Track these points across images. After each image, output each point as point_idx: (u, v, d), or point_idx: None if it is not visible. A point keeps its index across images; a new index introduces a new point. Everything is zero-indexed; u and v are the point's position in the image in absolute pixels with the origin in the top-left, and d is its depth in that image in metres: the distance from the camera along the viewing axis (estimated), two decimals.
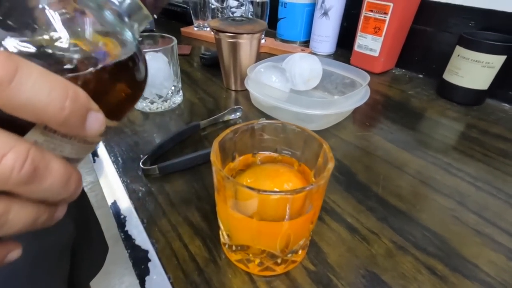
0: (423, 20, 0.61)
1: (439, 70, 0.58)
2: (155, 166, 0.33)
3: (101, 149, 0.38)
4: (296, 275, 0.24)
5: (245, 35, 0.47)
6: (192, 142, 0.40)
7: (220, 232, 0.26)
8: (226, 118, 0.44)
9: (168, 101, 0.46)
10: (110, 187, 0.32)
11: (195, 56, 0.71)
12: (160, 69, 0.43)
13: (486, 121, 0.47)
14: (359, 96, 0.42)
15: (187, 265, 0.24)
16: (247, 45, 0.48)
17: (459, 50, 0.50)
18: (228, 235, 0.23)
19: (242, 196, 0.20)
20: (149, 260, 0.25)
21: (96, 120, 0.12)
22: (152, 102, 0.45)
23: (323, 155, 0.22)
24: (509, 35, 0.49)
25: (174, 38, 0.44)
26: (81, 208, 0.53)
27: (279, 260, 0.23)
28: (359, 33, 0.64)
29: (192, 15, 0.86)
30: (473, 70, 0.49)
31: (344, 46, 0.76)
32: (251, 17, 0.51)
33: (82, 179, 0.14)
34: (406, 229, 0.28)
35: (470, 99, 0.52)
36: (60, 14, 0.13)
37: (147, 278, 0.23)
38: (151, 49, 0.41)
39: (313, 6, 0.76)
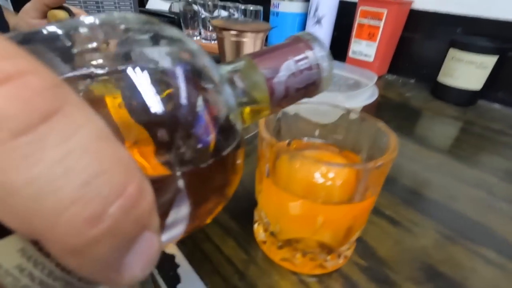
0: (412, 28, 0.64)
1: (430, 74, 0.60)
2: None
3: None
4: (349, 272, 0.21)
5: (249, 33, 0.46)
6: None
7: (259, 228, 0.22)
8: None
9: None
10: None
11: None
12: None
13: (484, 118, 0.49)
14: (369, 93, 0.42)
15: (224, 269, 0.21)
16: (250, 45, 0.47)
17: (453, 52, 0.53)
18: (273, 230, 0.20)
19: (303, 173, 0.17)
20: (178, 266, 0.21)
21: (150, 251, 0.07)
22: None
23: (376, 136, 0.20)
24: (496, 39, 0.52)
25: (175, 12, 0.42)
26: None
27: (331, 256, 0.20)
28: (353, 39, 0.65)
29: (182, 24, 0.84)
30: (467, 71, 0.51)
31: (335, 55, 0.78)
32: (252, 19, 0.50)
33: None
34: (447, 219, 0.27)
35: (465, 99, 0.54)
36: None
37: (178, 286, 0.19)
38: None
39: (304, 15, 0.78)
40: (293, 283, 0.20)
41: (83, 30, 0.08)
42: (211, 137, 0.09)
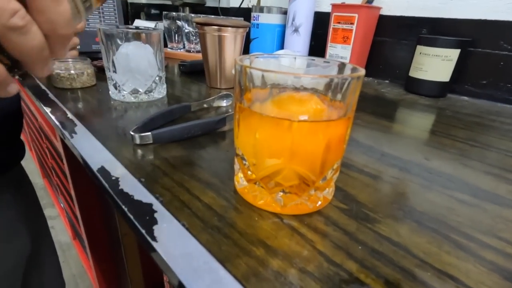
0: (382, 32, 0.69)
1: (402, 74, 0.64)
2: (149, 133, 0.29)
3: (79, 127, 0.33)
4: (329, 213, 0.21)
5: (229, 28, 0.48)
6: (184, 121, 0.37)
7: (238, 177, 0.22)
8: (216, 104, 0.43)
9: (153, 91, 0.44)
10: (92, 157, 0.27)
11: (173, 68, 0.70)
12: (144, 57, 0.41)
13: (454, 106, 0.52)
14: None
15: (203, 213, 0.20)
16: (231, 40, 0.49)
17: (420, 48, 0.57)
18: (251, 168, 0.20)
19: (278, 95, 0.18)
20: (155, 212, 0.20)
21: None
22: (136, 91, 0.42)
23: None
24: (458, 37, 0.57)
25: (160, 29, 0.43)
26: (35, 226, 0.46)
27: (310, 199, 0.20)
28: (329, 44, 0.69)
29: (166, 38, 0.87)
30: (434, 64, 0.55)
31: None
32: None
33: None
34: (423, 174, 0.27)
35: (436, 91, 0.57)
36: None
37: (155, 227, 0.19)
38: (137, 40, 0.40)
39: (283, 26, 0.82)
40: (274, 222, 0.20)
41: None
42: None
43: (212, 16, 0.65)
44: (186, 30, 0.85)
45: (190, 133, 0.31)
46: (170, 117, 0.36)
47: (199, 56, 0.81)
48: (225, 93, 0.43)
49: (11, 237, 0.40)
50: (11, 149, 0.40)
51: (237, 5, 0.98)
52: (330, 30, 0.68)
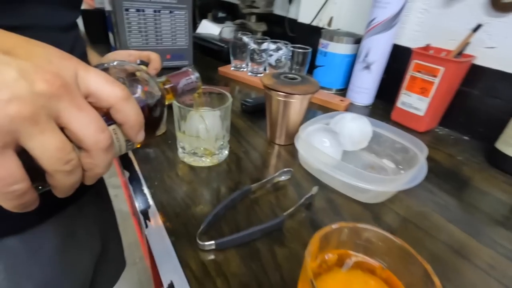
0: (471, 83, 0.60)
1: (487, 134, 0.56)
2: (213, 242, 0.31)
3: (155, 215, 0.37)
4: None
5: (296, 95, 0.46)
6: (244, 208, 0.38)
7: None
8: (275, 180, 0.43)
9: (216, 155, 0.46)
10: (163, 256, 0.31)
11: (235, 99, 0.71)
12: (214, 126, 0.43)
13: None
14: (418, 172, 0.40)
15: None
16: (297, 104, 0.48)
17: None
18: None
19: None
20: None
21: (142, 133, 0.22)
22: (201, 156, 0.45)
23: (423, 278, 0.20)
24: None
25: (229, 95, 0.44)
26: (107, 227, 0.56)
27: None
28: (403, 90, 0.63)
29: (230, 55, 0.87)
30: None
31: (383, 98, 0.76)
32: (304, 75, 0.51)
33: None
34: None
35: None
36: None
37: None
38: (209, 109, 0.42)
39: (353, 56, 0.77)
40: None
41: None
42: (149, 96, 0.25)
43: (280, 74, 0.63)
44: (251, 48, 0.84)
45: (250, 238, 0.33)
46: (231, 204, 0.37)
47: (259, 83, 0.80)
48: (284, 170, 0.43)
49: (87, 241, 0.47)
50: None
51: (306, 21, 0.93)
52: (407, 77, 0.61)
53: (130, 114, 0.21)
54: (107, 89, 0.19)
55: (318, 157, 0.42)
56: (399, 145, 0.48)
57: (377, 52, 0.67)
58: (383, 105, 0.74)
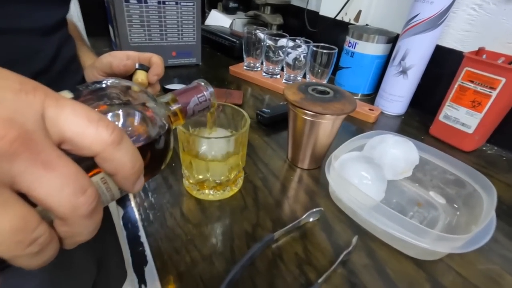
0: None
1: None
2: None
3: (153, 277, 0.29)
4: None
5: (328, 116, 0.38)
6: (265, 265, 0.30)
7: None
8: (302, 222, 0.35)
9: (230, 187, 0.38)
10: None
11: (248, 107, 0.63)
12: (227, 153, 0.35)
13: None
14: (486, 226, 0.31)
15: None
16: (328, 125, 0.39)
17: None
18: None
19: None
20: None
21: (141, 181, 0.17)
22: (210, 188, 0.36)
23: None
24: None
25: (246, 115, 0.35)
26: (103, 242, 0.52)
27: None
28: (448, 102, 0.53)
29: (243, 51, 0.78)
30: None
31: (417, 107, 0.66)
32: (337, 87, 0.42)
33: None
34: None
35: None
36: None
37: None
38: (222, 132, 0.33)
39: (384, 58, 0.67)
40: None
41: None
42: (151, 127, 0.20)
43: (308, 85, 0.54)
44: (266, 44, 0.75)
45: None
46: (249, 261, 0.29)
47: (275, 86, 0.71)
48: (314, 210, 0.35)
49: (82, 267, 0.44)
50: None
51: (329, 15, 0.82)
52: (455, 86, 0.52)
53: (123, 162, 0.15)
54: (90, 133, 0.14)
55: (355, 196, 0.33)
56: (452, 177, 0.39)
57: (416, 55, 0.57)
58: (419, 116, 0.65)
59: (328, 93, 0.40)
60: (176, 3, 0.72)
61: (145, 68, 0.40)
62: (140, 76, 0.39)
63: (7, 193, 0.12)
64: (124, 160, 0.15)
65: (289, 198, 0.39)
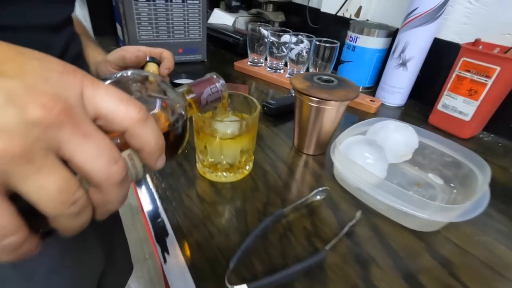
0: None
1: None
2: (245, 286, 0.26)
3: (174, 247, 0.31)
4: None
5: (333, 102, 0.40)
6: (277, 237, 0.33)
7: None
8: (309, 200, 0.37)
9: (241, 169, 0.40)
10: None
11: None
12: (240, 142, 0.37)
13: None
14: (481, 198, 0.34)
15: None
16: (332, 111, 0.42)
17: None
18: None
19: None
20: None
21: (163, 159, 0.19)
22: (223, 170, 0.39)
23: None
24: None
25: (256, 102, 0.38)
26: (111, 234, 0.53)
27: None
28: (446, 92, 0.56)
29: (248, 48, 0.81)
30: None
31: (416, 98, 0.69)
32: (340, 77, 0.45)
33: None
34: None
35: None
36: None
37: None
38: (234, 118, 0.36)
39: (384, 51, 0.69)
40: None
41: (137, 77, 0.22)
42: (170, 113, 0.22)
43: (314, 75, 0.56)
44: (270, 40, 0.77)
45: (289, 279, 0.28)
46: (261, 233, 0.32)
47: (279, 80, 0.74)
48: (320, 189, 0.37)
49: (89, 257, 0.45)
50: None
51: (330, 11, 0.85)
52: (453, 76, 0.54)
53: (149, 138, 0.17)
54: (121, 110, 0.16)
55: (360, 175, 0.36)
56: (450, 159, 0.42)
57: (415, 47, 0.59)
58: (418, 106, 0.67)
59: (333, 81, 0.43)
60: (183, 1, 0.74)
61: (156, 61, 0.43)
62: (152, 68, 0.41)
63: (54, 158, 0.13)
64: (149, 137, 0.17)
65: (297, 181, 0.42)
